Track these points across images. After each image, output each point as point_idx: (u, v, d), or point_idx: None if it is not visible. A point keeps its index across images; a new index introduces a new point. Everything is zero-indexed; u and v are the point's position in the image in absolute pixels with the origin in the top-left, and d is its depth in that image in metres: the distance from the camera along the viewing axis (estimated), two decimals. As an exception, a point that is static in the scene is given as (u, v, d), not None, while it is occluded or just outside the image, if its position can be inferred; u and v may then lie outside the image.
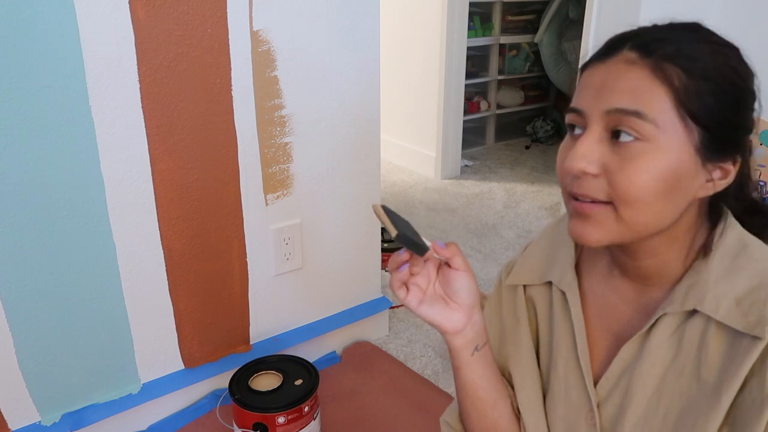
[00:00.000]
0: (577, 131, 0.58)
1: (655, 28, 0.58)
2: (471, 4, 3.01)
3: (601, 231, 0.57)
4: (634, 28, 0.58)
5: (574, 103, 0.59)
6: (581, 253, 0.70)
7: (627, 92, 0.54)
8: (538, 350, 0.73)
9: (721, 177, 0.57)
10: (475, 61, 3.62)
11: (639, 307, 0.64)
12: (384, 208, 0.61)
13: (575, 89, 0.60)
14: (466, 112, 3.33)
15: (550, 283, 0.71)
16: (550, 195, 2.95)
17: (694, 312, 0.58)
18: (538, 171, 3.32)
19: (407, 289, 0.63)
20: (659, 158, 0.53)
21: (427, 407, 1.47)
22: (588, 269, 0.69)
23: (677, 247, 0.60)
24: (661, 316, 0.60)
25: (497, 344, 0.76)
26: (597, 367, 0.66)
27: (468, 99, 3.53)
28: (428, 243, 0.61)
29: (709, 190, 0.57)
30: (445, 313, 0.63)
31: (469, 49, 3.15)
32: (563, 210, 2.56)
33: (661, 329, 0.60)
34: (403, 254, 0.63)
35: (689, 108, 0.53)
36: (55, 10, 1.03)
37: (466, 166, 3.38)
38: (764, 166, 2.03)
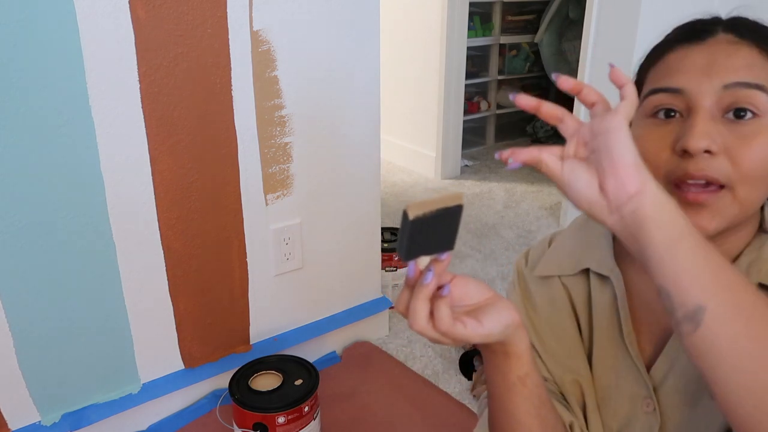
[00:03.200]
0: (671, 115, 0.56)
1: (733, 17, 0.58)
2: (471, 4, 3.01)
3: (719, 218, 0.54)
4: (707, 17, 0.59)
5: (668, 83, 0.56)
6: (615, 244, 0.68)
7: (744, 68, 0.53)
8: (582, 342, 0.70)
9: None
10: (475, 61, 3.62)
11: None
12: (416, 222, 0.46)
13: (658, 73, 0.58)
14: (466, 112, 3.33)
15: (585, 272, 0.68)
16: (550, 195, 2.95)
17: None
18: (538, 171, 3.32)
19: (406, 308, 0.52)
20: None
21: (427, 407, 1.47)
22: (626, 259, 0.66)
23: (747, 231, 0.59)
24: None
25: (551, 342, 0.70)
26: (643, 355, 0.64)
27: (468, 99, 3.53)
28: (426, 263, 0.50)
29: None
30: (474, 326, 0.51)
31: (469, 49, 3.15)
32: (563, 210, 2.56)
33: None
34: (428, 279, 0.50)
35: None
36: (55, 10, 1.03)
37: (466, 166, 3.38)
38: None
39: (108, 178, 1.18)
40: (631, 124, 0.60)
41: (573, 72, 3.42)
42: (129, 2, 1.10)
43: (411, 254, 0.49)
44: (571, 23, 3.51)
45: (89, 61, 1.09)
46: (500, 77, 3.71)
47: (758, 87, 0.52)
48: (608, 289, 0.66)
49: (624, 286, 0.65)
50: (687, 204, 0.55)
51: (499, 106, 3.81)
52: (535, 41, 3.63)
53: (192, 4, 1.17)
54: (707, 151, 0.53)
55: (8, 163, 1.07)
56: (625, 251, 0.67)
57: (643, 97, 0.59)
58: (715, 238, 0.57)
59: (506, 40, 3.61)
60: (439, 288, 0.50)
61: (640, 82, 0.62)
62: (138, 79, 1.15)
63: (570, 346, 0.69)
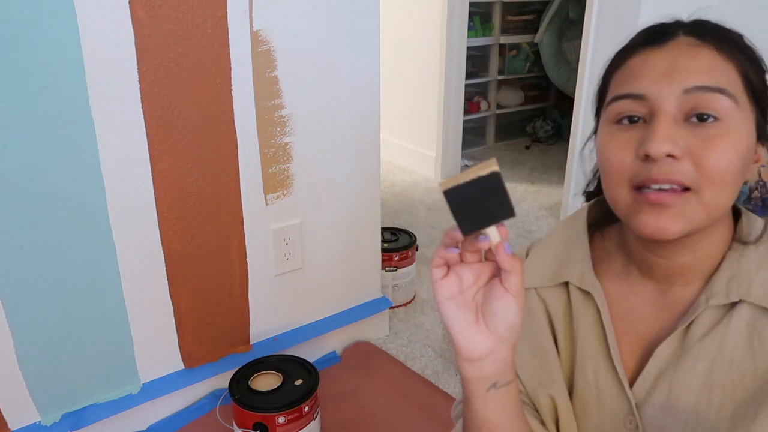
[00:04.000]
0: (635, 120, 0.56)
1: (695, 20, 0.58)
2: (471, 4, 3.01)
3: (683, 221, 0.53)
4: (669, 21, 0.59)
5: (630, 89, 0.56)
6: (594, 254, 0.67)
7: (704, 71, 0.53)
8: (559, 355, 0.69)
9: (755, 161, 0.57)
10: (475, 61, 3.62)
11: (665, 307, 0.62)
12: (454, 191, 0.48)
13: (620, 78, 0.58)
14: (466, 112, 3.34)
15: (564, 285, 0.67)
16: (550, 195, 2.95)
17: (734, 303, 0.57)
18: (538, 171, 3.32)
19: (446, 272, 0.52)
20: (740, 136, 0.53)
21: (427, 407, 1.47)
22: (602, 270, 0.66)
23: (717, 239, 0.59)
24: (700, 312, 0.58)
25: (529, 355, 0.68)
26: (626, 370, 0.63)
27: (468, 99, 3.53)
28: (498, 237, 0.49)
29: (754, 170, 0.57)
30: (468, 329, 0.52)
31: (469, 49, 3.15)
32: (563, 210, 2.56)
33: (701, 324, 0.58)
34: (484, 240, 0.50)
35: (753, 87, 0.54)
36: (55, 10, 1.03)
37: (466, 166, 3.38)
38: (765, 167, 2.03)
39: (108, 178, 1.18)
40: (596, 131, 0.61)
41: (573, 72, 3.42)
42: (129, 2, 1.10)
43: (467, 228, 0.48)
44: (571, 23, 3.51)
45: (89, 61, 1.09)
46: (500, 77, 3.72)
47: (718, 90, 0.52)
48: (591, 303, 0.65)
49: (605, 300, 0.64)
50: (650, 205, 0.54)
51: (499, 106, 3.81)
52: (535, 41, 3.63)
53: (192, 4, 1.17)
54: (671, 156, 0.52)
55: (8, 163, 1.07)
56: (601, 261, 0.67)
57: (607, 103, 0.59)
58: (683, 245, 0.57)
59: (506, 40, 3.61)
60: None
61: (604, 86, 0.61)
62: (138, 79, 1.15)
63: (545, 359, 0.67)
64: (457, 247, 0.51)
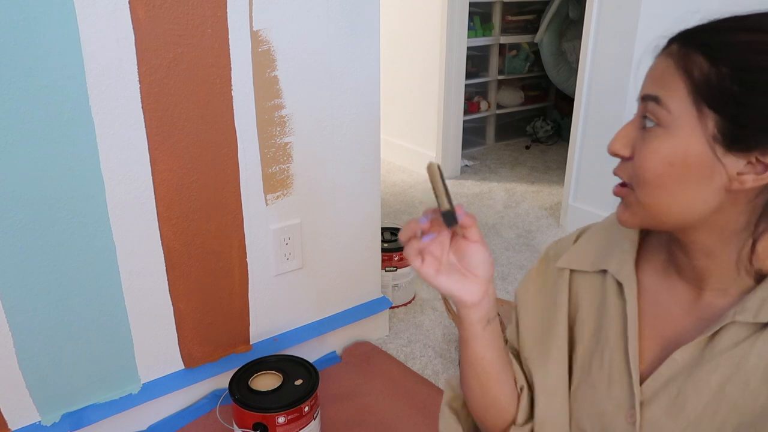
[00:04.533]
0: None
1: (712, 22, 0.58)
2: (471, 4, 3.02)
3: (628, 212, 0.60)
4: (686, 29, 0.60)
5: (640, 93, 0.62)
6: (640, 247, 0.68)
7: (654, 80, 0.58)
8: (573, 336, 0.71)
9: (763, 171, 0.54)
10: (475, 61, 3.62)
11: (694, 311, 0.62)
12: (439, 169, 0.59)
13: None
14: (466, 112, 3.34)
15: (603, 272, 0.69)
16: (550, 195, 2.95)
17: (766, 325, 0.56)
18: (538, 171, 3.32)
19: (422, 258, 0.61)
20: (669, 142, 0.55)
21: (427, 407, 1.47)
22: (645, 265, 0.67)
23: (732, 249, 0.58)
24: (727, 324, 0.57)
25: (536, 324, 0.73)
26: (642, 366, 0.64)
27: (468, 99, 3.53)
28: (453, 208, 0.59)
29: (747, 183, 0.54)
30: (463, 285, 0.62)
31: (469, 49, 3.15)
32: (563, 210, 2.57)
33: (726, 337, 0.57)
34: (424, 222, 0.60)
35: (705, 97, 0.54)
36: (55, 10, 1.03)
37: (466, 166, 3.38)
38: None
39: (108, 178, 1.18)
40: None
41: (573, 72, 3.42)
42: (129, 2, 1.10)
43: (451, 206, 0.59)
44: (571, 23, 3.51)
45: (89, 61, 1.09)
46: (500, 77, 3.72)
47: (654, 99, 0.56)
48: (622, 294, 0.66)
49: (636, 295, 0.65)
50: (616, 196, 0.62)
51: (499, 106, 3.81)
52: (535, 41, 3.63)
53: (192, 4, 1.17)
54: (621, 155, 0.59)
55: (8, 163, 1.07)
56: (646, 255, 0.68)
57: None
58: (695, 246, 0.60)
59: (506, 40, 3.61)
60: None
61: None
62: (138, 79, 1.15)
63: (556, 338, 0.71)
64: (427, 234, 0.61)
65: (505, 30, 3.64)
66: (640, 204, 0.58)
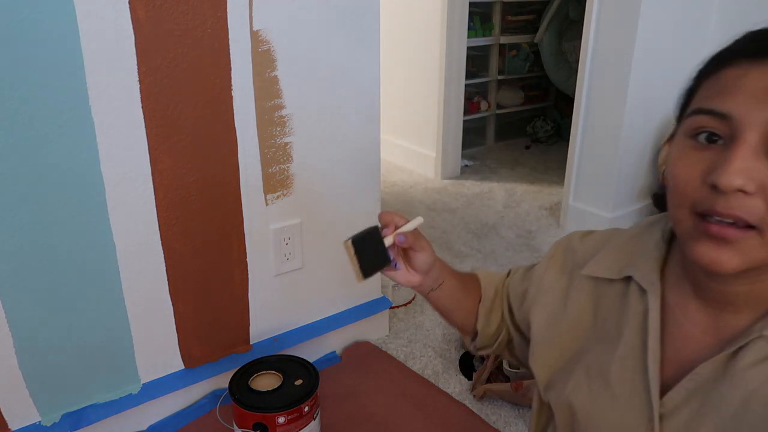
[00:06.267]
0: (713, 140, 0.52)
1: None
2: (471, 4, 3.02)
3: (742, 258, 0.51)
4: None
5: (716, 106, 0.51)
6: (671, 258, 0.65)
7: None
8: (587, 338, 0.70)
9: None
10: (475, 61, 3.62)
11: (712, 332, 0.60)
12: (355, 242, 0.72)
13: (710, 89, 0.53)
14: (466, 112, 3.34)
15: (626, 280, 0.67)
16: (550, 195, 2.95)
17: None
18: (538, 171, 3.32)
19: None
20: None
21: (427, 407, 1.47)
22: (666, 278, 0.64)
23: None
24: (752, 340, 0.55)
25: (553, 310, 0.75)
26: (663, 379, 0.61)
27: (468, 99, 3.53)
28: (391, 240, 0.75)
29: None
30: (406, 276, 0.80)
31: (469, 49, 3.15)
32: (563, 210, 2.57)
33: (751, 353, 0.55)
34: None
35: None
36: (55, 10, 1.03)
37: (466, 166, 3.38)
38: None
39: (108, 178, 1.18)
40: (673, 135, 0.58)
41: (573, 72, 3.42)
42: (129, 2, 1.10)
43: (365, 271, 0.75)
44: (571, 23, 3.51)
45: (89, 61, 1.09)
46: (500, 77, 3.72)
47: None
48: (645, 302, 0.64)
49: (660, 304, 0.63)
50: (710, 237, 0.51)
51: (499, 106, 3.81)
52: (535, 41, 3.63)
53: (192, 4, 1.17)
54: (741, 190, 0.49)
55: (8, 163, 1.07)
56: (671, 269, 0.64)
57: (689, 113, 0.55)
58: (742, 275, 0.54)
59: (506, 40, 3.61)
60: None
61: (693, 90, 0.57)
62: (138, 79, 1.15)
63: (557, 336, 0.73)
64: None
65: (505, 30, 3.64)
66: (766, 247, 0.50)
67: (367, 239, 0.73)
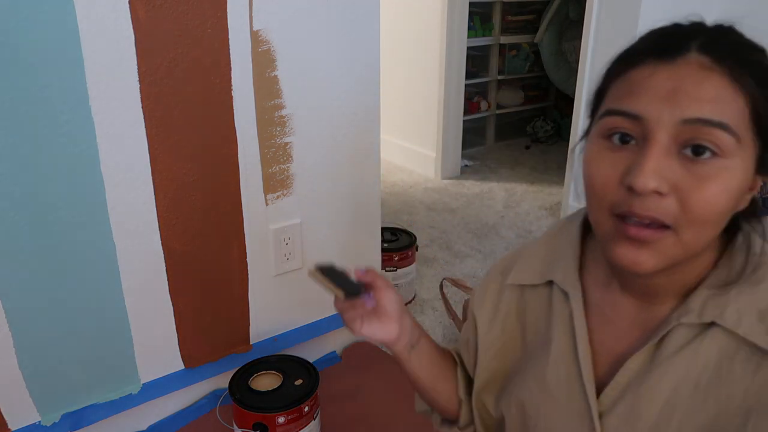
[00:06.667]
0: (626, 140, 0.52)
1: (715, 29, 0.53)
2: (471, 4, 3.02)
3: (658, 258, 0.52)
4: (684, 22, 0.54)
5: (626, 107, 0.52)
6: (585, 258, 0.67)
7: (710, 101, 0.48)
8: (523, 348, 0.71)
9: (750, 188, 0.54)
10: (475, 61, 3.62)
11: (639, 324, 0.61)
12: (320, 269, 0.69)
13: (620, 89, 0.54)
14: (466, 112, 3.34)
15: (549, 283, 0.68)
16: (550, 195, 2.95)
17: (710, 325, 0.55)
18: (538, 171, 3.32)
19: (361, 321, 0.70)
20: (736, 176, 0.50)
21: (427, 407, 1.47)
22: (589, 275, 0.66)
23: (698, 264, 0.57)
24: (673, 328, 0.57)
25: (510, 343, 0.72)
26: (596, 378, 0.62)
27: (468, 99, 3.53)
28: (352, 276, 0.71)
29: (746, 203, 0.54)
30: (381, 327, 0.70)
31: (469, 49, 3.15)
32: (563, 210, 2.56)
33: (674, 340, 0.57)
34: (344, 303, 0.71)
35: (761, 121, 0.50)
36: (55, 10, 1.03)
37: (466, 166, 3.39)
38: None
39: (108, 178, 1.18)
40: (587, 133, 0.59)
41: (573, 72, 3.42)
42: (129, 2, 1.10)
43: (345, 290, 0.70)
44: (571, 23, 3.51)
45: (89, 61, 1.09)
46: (500, 77, 3.72)
47: (720, 126, 0.48)
48: (570, 304, 0.65)
49: (583, 304, 0.64)
50: (628, 239, 0.52)
51: (499, 106, 3.81)
52: (535, 41, 3.63)
53: (192, 4, 1.17)
54: (656, 191, 0.49)
55: (8, 163, 1.06)
56: (588, 266, 0.66)
57: (600, 115, 0.55)
58: (666, 268, 0.55)
59: (506, 40, 3.61)
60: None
61: (603, 90, 0.57)
62: (138, 79, 1.15)
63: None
64: (353, 305, 0.71)
65: (505, 30, 3.64)
66: (683, 245, 0.51)
67: (332, 269, 0.70)
